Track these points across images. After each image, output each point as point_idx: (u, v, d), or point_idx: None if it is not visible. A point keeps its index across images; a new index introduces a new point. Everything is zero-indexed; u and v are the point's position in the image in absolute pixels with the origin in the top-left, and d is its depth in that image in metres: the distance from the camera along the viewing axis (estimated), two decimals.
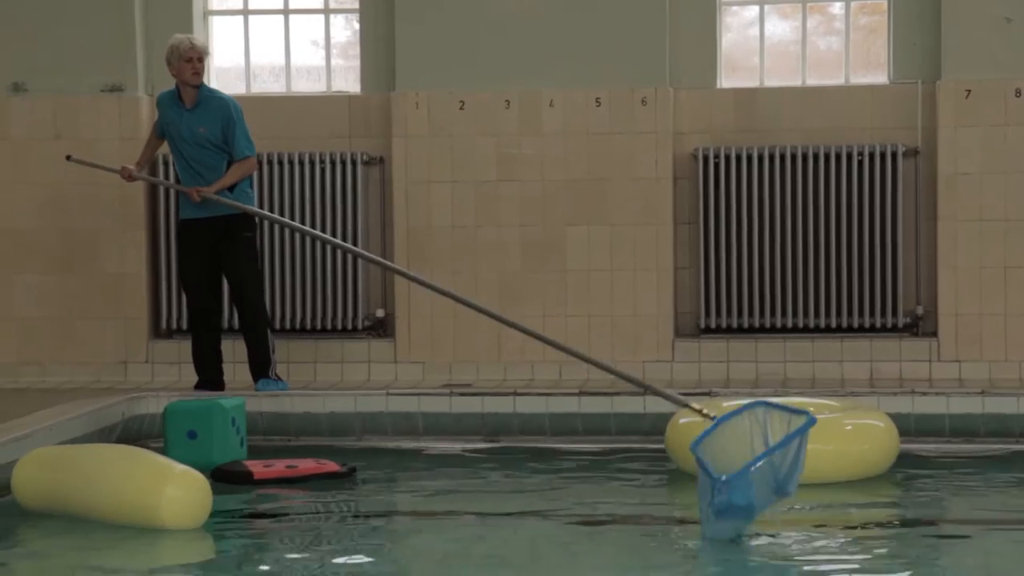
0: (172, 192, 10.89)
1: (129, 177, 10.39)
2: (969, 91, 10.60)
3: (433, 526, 7.87)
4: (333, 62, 11.54)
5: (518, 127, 11.04)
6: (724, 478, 6.73)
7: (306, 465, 8.72)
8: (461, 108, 11.05)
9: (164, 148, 10.59)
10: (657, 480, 8.95)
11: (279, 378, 10.31)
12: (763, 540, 7.16)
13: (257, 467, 8.64)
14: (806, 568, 6.83)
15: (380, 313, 11.28)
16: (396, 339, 11.15)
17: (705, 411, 7.89)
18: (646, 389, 8.61)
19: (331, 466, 8.74)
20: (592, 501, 8.30)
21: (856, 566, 6.85)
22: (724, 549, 6.99)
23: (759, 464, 6.73)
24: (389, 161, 11.18)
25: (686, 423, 8.66)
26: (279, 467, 8.67)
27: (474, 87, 11.03)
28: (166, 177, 10.91)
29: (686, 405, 8.18)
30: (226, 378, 10.44)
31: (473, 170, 11.06)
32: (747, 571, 6.80)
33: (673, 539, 7.48)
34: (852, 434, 8.68)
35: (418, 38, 11.04)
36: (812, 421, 6.77)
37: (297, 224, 10.75)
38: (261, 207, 10.81)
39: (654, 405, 9.72)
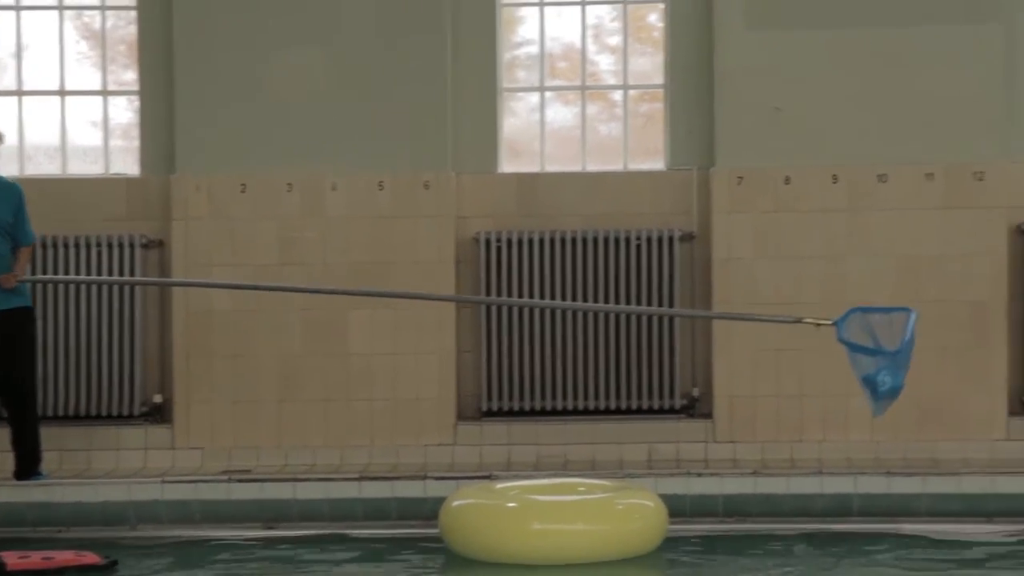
0: None
1: None
2: (741, 178, 10.89)
3: None
4: (112, 143, 11.40)
5: (300, 210, 11.02)
6: (893, 350, 7.83)
7: (64, 557, 8.48)
8: (243, 191, 11.00)
9: None
10: (433, 566, 8.92)
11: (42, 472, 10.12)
12: None
13: (11, 558, 8.37)
14: None
15: (157, 399, 11.10)
16: (174, 425, 10.98)
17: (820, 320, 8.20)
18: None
19: (91, 558, 8.51)
20: None
21: None
22: None
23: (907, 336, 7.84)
24: (169, 244, 11.05)
25: (459, 506, 8.66)
26: (35, 559, 8.41)
27: (256, 170, 10.99)
28: None
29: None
30: None
31: (255, 254, 11.00)
32: None
33: None
34: (622, 514, 8.78)
35: (198, 120, 10.97)
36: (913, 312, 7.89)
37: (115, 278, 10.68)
38: (34, 292, 10.60)
39: (435, 490, 9.72)
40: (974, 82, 10.75)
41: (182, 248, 10.98)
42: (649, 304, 10.97)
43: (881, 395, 7.93)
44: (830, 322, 8.20)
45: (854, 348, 7.95)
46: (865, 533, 9.65)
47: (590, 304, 10.77)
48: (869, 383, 7.95)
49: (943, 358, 10.77)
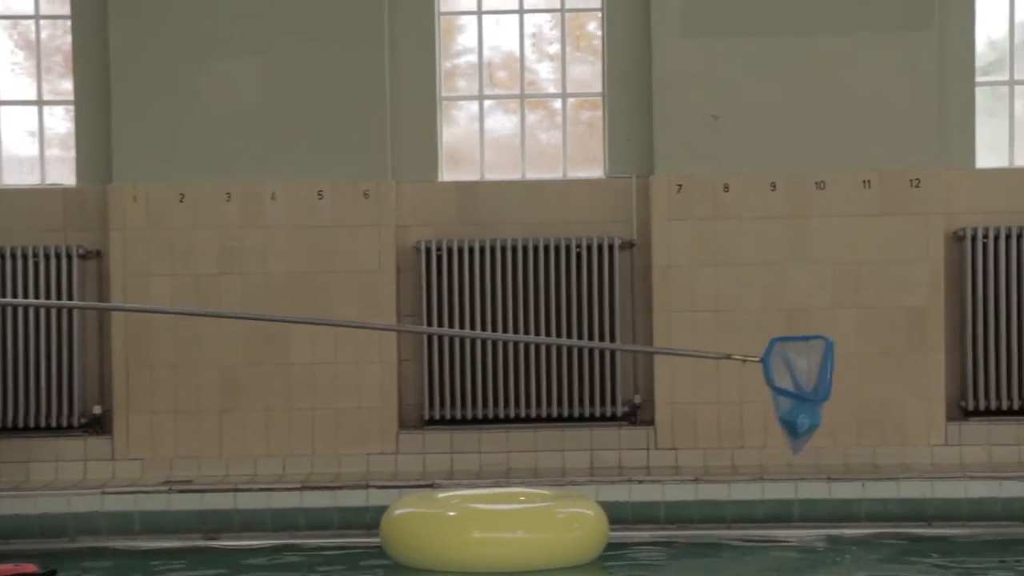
0: None
1: None
2: (680, 185, 10.93)
3: None
4: (48, 153, 11.31)
5: (240, 220, 10.97)
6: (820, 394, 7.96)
7: (2, 568, 8.41)
8: (181, 201, 10.94)
9: None
10: (373, 574, 8.92)
11: None
12: None
13: None
14: None
15: (97, 409, 11.00)
16: (114, 436, 10.89)
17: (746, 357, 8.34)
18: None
19: (28, 568, 8.45)
20: None
21: None
22: None
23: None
24: (106, 254, 10.98)
25: (400, 515, 8.66)
26: None
27: (194, 180, 10.93)
28: None
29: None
30: None
31: (194, 263, 10.94)
32: None
33: None
34: (562, 522, 8.80)
35: (136, 130, 10.91)
36: (830, 341, 7.99)
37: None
38: None
39: (378, 499, 9.72)
40: (909, 90, 10.83)
41: (120, 258, 10.90)
42: (589, 309, 10.98)
43: (800, 435, 8.05)
44: (756, 359, 8.25)
45: (778, 392, 8.01)
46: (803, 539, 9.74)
47: (530, 337, 10.70)
48: (788, 424, 8.05)
49: (882, 364, 10.85)
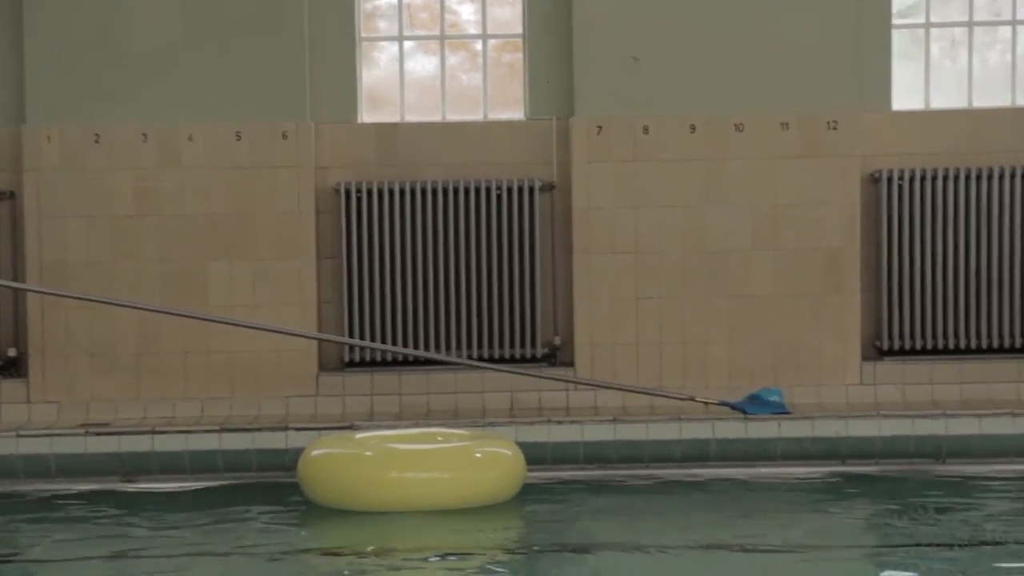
0: None
1: None
2: (600, 127, 10.94)
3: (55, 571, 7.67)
4: None
5: (157, 161, 10.88)
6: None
7: None
8: (96, 142, 10.83)
9: None
10: (292, 516, 8.90)
11: None
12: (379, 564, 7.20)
13: None
14: None
15: (12, 352, 10.91)
16: (29, 379, 10.81)
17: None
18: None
19: None
20: (233, 537, 8.21)
21: None
22: None
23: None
24: (20, 196, 10.86)
25: (317, 455, 8.66)
26: None
27: (110, 121, 10.81)
28: None
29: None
30: None
31: (110, 205, 10.85)
32: None
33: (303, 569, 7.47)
34: (480, 462, 8.84)
35: (49, 70, 10.77)
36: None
37: None
38: None
39: (297, 441, 9.72)
40: (827, 33, 10.88)
41: (34, 200, 10.79)
42: (510, 251, 10.99)
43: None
44: (716, 402, 10.20)
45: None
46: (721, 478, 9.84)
47: (453, 359, 10.67)
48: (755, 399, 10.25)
49: (798, 305, 10.95)
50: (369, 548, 7.94)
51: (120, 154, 10.83)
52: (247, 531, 8.45)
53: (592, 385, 10.66)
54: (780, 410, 10.24)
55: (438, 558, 7.66)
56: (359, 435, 9.16)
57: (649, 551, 7.85)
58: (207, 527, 8.57)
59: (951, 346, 11.06)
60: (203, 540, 8.20)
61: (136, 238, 10.87)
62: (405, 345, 11.03)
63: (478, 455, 8.85)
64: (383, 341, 11.03)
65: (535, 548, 8.13)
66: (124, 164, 10.84)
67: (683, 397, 10.36)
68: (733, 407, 10.25)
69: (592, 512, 8.90)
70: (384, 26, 11.45)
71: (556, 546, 8.11)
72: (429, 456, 8.82)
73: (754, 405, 10.25)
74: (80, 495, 9.50)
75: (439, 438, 9.12)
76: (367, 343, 10.81)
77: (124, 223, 10.87)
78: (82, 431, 10.03)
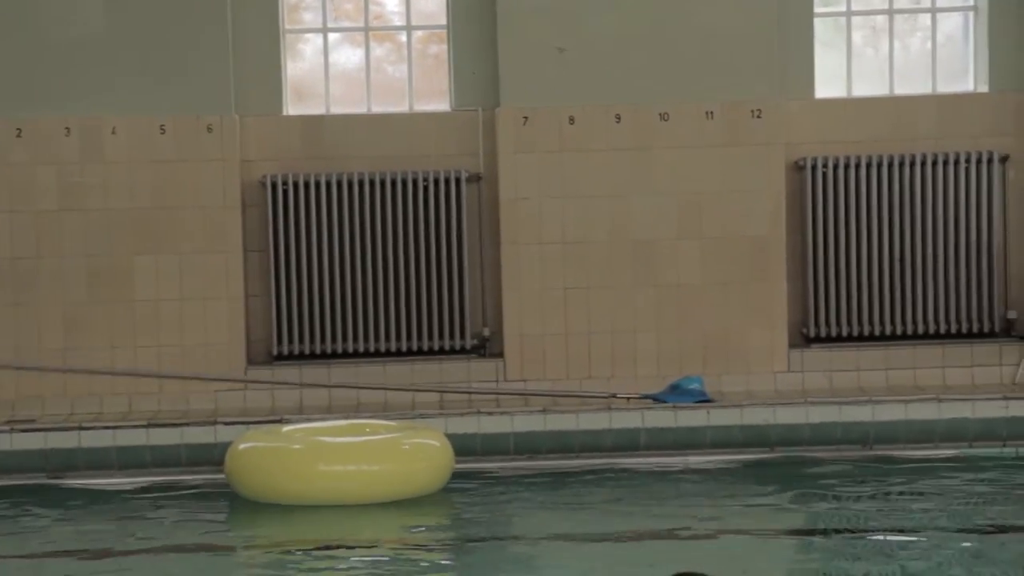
0: None
1: None
2: (526, 118, 10.94)
3: None
4: None
5: (80, 155, 10.78)
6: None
7: None
8: (18, 136, 10.72)
9: None
10: (218, 510, 8.86)
11: None
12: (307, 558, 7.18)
13: None
14: None
15: None
16: None
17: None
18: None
19: None
20: (160, 533, 8.17)
21: None
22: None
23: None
24: None
25: (244, 449, 8.62)
26: None
27: (31, 114, 10.71)
28: None
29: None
30: None
31: (33, 199, 10.74)
32: None
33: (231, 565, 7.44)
34: (407, 453, 8.83)
35: None
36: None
37: None
38: None
39: (226, 435, 9.67)
40: (750, 21, 10.93)
41: None
42: (437, 243, 10.99)
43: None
44: (638, 395, 10.31)
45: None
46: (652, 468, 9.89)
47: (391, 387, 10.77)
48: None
49: (726, 293, 11.00)
50: (297, 542, 7.92)
51: (42, 148, 10.74)
52: (174, 527, 8.39)
53: (514, 394, 10.59)
54: (702, 398, 10.31)
55: (366, 550, 7.65)
56: (286, 428, 9.12)
57: (579, 541, 7.87)
58: (134, 524, 8.51)
59: (877, 333, 11.16)
60: (130, 537, 8.13)
61: (60, 233, 10.78)
62: (333, 338, 11.00)
63: (406, 446, 8.84)
64: (311, 333, 10.99)
65: (464, 539, 8.14)
66: (46, 158, 10.75)
67: (604, 395, 10.38)
68: (656, 399, 10.30)
69: (522, 503, 8.92)
70: (309, 18, 11.40)
71: (486, 537, 8.13)
72: (357, 448, 8.79)
73: (676, 395, 10.31)
74: (5, 492, 9.41)
75: (367, 430, 9.09)
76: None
77: (48, 218, 10.77)
78: (7, 428, 9.94)
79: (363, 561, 7.37)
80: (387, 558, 7.53)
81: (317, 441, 8.84)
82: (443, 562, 7.57)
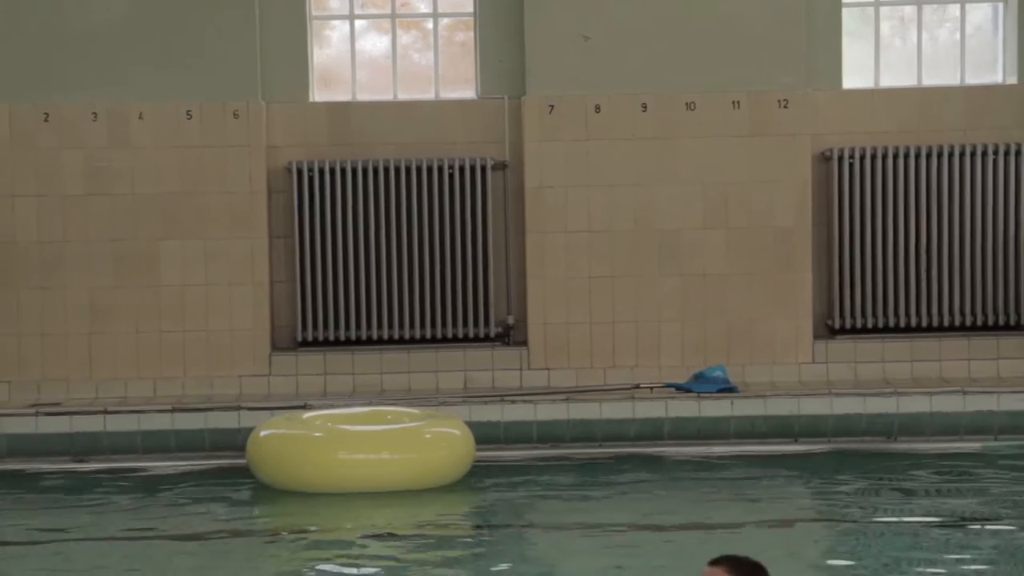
0: None
1: None
2: (552, 106, 10.93)
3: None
4: None
5: (107, 140, 10.82)
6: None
7: None
8: (46, 120, 10.76)
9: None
10: (240, 496, 8.88)
11: None
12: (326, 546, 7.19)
13: None
14: (383, 573, 6.91)
15: None
16: None
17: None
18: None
19: None
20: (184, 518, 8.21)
21: (433, 571, 6.96)
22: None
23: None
24: None
25: (265, 436, 8.63)
26: None
27: (59, 98, 10.75)
28: None
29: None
30: None
31: (60, 184, 10.78)
32: None
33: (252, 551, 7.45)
34: (428, 442, 8.83)
35: None
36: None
37: None
38: None
39: (249, 420, 9.69)
40: (777, 11, 10.89)
41: None
42: (462, 231, 11.00)
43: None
44: (662, 384, 10.43)
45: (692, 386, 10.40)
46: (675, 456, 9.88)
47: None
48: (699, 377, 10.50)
49: (750, 283, 10.98)
50: (316, 530, 7.93)
51: (69, 133, 10.77)
52: (197, 513, 8.42)
53: (537, 393, 10.57)
54: (726, 386, 10.29)
55: (384, 538, 7.65)
56: (307, 415, 9.11)
57: (603, 529, 7.87)
58: (157, 508, 8.54)
59: (902, 324, 11.12)
60: (152, 522, 8.16)
61: (86, 218, 10.82)
62: (357, 324, 11.02)
63: (427, 435, 8.84)
64: (335, 319, 11.01)
65: (484, 528, 8.14)
66: (74, 143, 10.79)
67: (628, 387, 10.39)
68: (679, 388, 10.29)
69: (544, 491, 8.91)
70: (336, 5, 11.41)
71: (507, 525, 8.14)
72: (378, 437, 8.78)
73: (700, 384, 10.31)
74: (31, 475, 9.46)
75: (388, 417, 9.08)
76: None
77: (74, 202, 10.81)
78: (33, 411, 9.99)
79: (381, 549, 7.38)
80: (407, 547, 7.54)
81: (338, 429, 8.83)
82: (462, 551, 7.56)
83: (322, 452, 8.66)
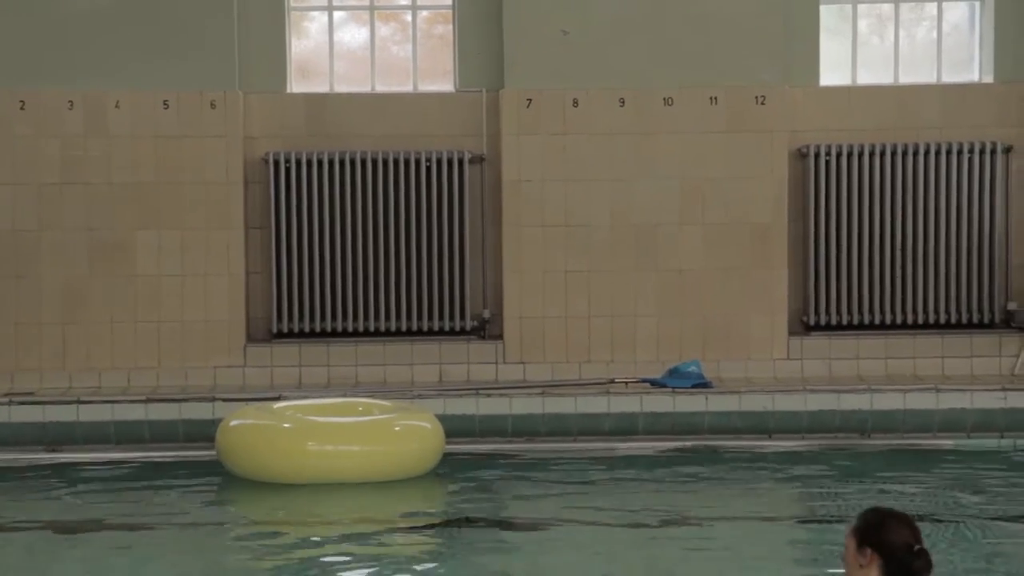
0: None
1: None
2: (530, 100, 10.93)
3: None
4: None
5: (83, 128, 10.78)
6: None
7: None
8: (22, 108, 10.72)
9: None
10: (209, 487, 8.86)
11: None
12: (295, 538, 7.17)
13: None
14: (351, 565, 6.89)
15: None
16: None
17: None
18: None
19: None
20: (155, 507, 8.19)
21: (402, 563, 6.96)
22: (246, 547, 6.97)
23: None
24: None
25: (235, 426, 8.62)
26: None
27: (36, 87, 10.71)
28: None
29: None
30: None
31: (35, 172, 10.75)
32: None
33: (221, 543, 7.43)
34: (398, 435, 8.81)
35: None
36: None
37: None
38: None
39: (224, 411, 9.66)
40: (756, 8, 10.90)
41: None
42: (439, 224, 10.99)
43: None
44: (636, 379, 10.41)
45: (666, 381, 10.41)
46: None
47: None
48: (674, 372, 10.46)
49: (726, 279, 11.00)
50: (285, 521, 7.92)
51: (46, 121, 10.74)
52: (167, 503, 8.39)
53: (512, 388, 10.56)
54: (700, 381, 10.31)
55: (354, 530, 7.64)
56: (277, 406, 9.09)
57: (574, 524, 7.87)
58: (129, 499, 8.51)
59: (877, 321, 11.15)
60: (123, 513, 8.13)
61: (62, 206, 10.79)
62: (333, 316, 11.00)
63: (397, 428, 8.82)
64: (310, 311, 11.00)
65: (452, 521, 8.11)
66: (50, 131, 10.75)
67: (603, 381, 10.39)
68: (654, 383, 10.30)
69: (515, 485, 8.90)
70: None
71: (480, 518, 8.12)
72: (347, 429, 8.76)
73: (675, 379, 10.32)
74: (3, 467, 9.42)
75: (359, 409, 9.06)
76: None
77: (50, 191, 10.78)
78: (6, 400, 9.95)
79: (350, 541, 7.36)
80: (375, 539, 7.52)
81: (307, 420, 8.80)
82: (430, 543, 7.55)
83: (291, 443, 8.64)
